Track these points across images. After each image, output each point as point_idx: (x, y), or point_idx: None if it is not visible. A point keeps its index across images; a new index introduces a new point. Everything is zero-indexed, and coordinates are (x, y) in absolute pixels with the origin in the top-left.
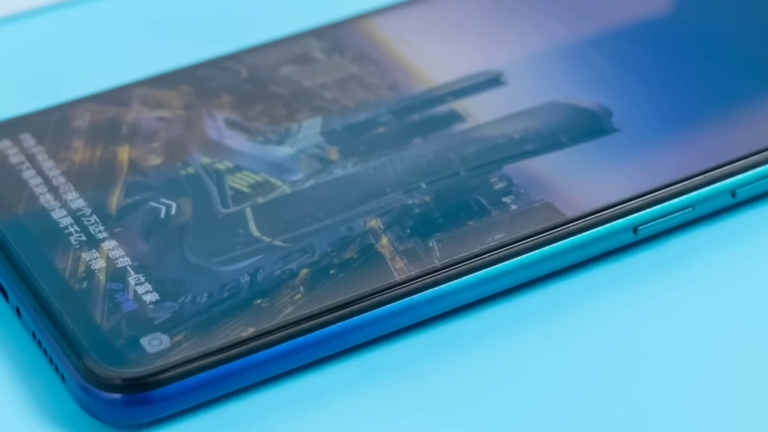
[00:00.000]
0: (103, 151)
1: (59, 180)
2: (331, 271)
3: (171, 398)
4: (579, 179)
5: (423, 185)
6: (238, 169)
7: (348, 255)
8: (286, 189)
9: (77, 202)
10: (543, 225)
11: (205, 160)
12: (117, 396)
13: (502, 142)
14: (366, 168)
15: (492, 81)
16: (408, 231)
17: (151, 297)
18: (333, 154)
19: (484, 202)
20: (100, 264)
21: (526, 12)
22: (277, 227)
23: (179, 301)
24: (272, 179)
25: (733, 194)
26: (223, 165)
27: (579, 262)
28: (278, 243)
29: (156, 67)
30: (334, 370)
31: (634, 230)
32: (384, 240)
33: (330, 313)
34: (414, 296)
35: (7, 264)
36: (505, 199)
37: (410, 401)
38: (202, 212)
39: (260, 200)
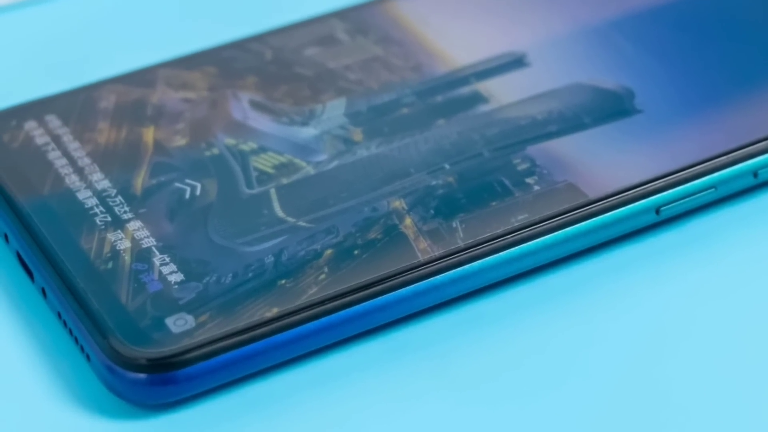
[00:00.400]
0: (128, 132)
1: (84, 161)
2: (355, 252)
3: (196, 378)
4: (602, 160)
5: (446, 166)
6: (263, 149)
7: (372, 235)
8: (310, 170)
9: (102, 183)
10: (566, 205)
11: (230, 141)
12: (142, 376)
13: (525, 123)
14: (390, 149)
15: (515, 62)
16: (432, 212)
17: (176, 277)
18: (357, 135)
19: (507, 182)
20: (125, 244)
21: None
22: (302, 208)
23: (204, 281)
24: (296, 160)
25: (755, 175)
26: (247, 146)
27: (602, 242)
28: (302, 223)
29: (181, 49)
30: (358, 349)
31: (657, 211)
32: (408, 220)
33: (354, 293)
34: (437, 276)
35: (33, 245)
36: (529, 180)
37: (434, 381)
38: (226, 193)
39: (284, 181)
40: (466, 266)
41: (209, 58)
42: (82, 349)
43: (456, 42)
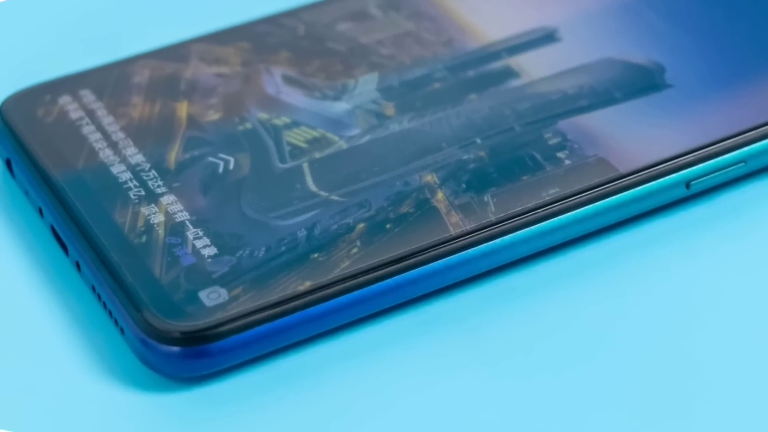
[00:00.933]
0: (162, 107)
1: (118, 135)
2: (388, 226)
3: (229, 351)
4: (632, 134)
5: (478, 140)
6: (296, 124)
7: (404, 209)
8: (342, 144)
9: (136, 157)
10: (597, 180)
11: (263, 115)
12: (175, 349)
13: (556, 97)
14: (422, 123)
15: (546, 37)
16: (463, 186)
17: (210, 251)
18: (389, 109)
19: (538, 157)
20: (159, 218)
21: None
22: (334, 182)
23: (237, 255)
24: (329, 134)
25: None
26: (280, 120)
27: (632, 216)
28: (335, 198)
29: (214, 24)
30: (389, 323)
31: (687, 185)
32: (440, 195)
33: (386, 267)
34: (469, 250)
35: (67, 218)
36: (560, 154)
37: (465, 354)
38: (259, 167)
39: (317, 155)
40: (498, 240)
41: (242, 34)
42: (116, 322)
43: (487, 17)
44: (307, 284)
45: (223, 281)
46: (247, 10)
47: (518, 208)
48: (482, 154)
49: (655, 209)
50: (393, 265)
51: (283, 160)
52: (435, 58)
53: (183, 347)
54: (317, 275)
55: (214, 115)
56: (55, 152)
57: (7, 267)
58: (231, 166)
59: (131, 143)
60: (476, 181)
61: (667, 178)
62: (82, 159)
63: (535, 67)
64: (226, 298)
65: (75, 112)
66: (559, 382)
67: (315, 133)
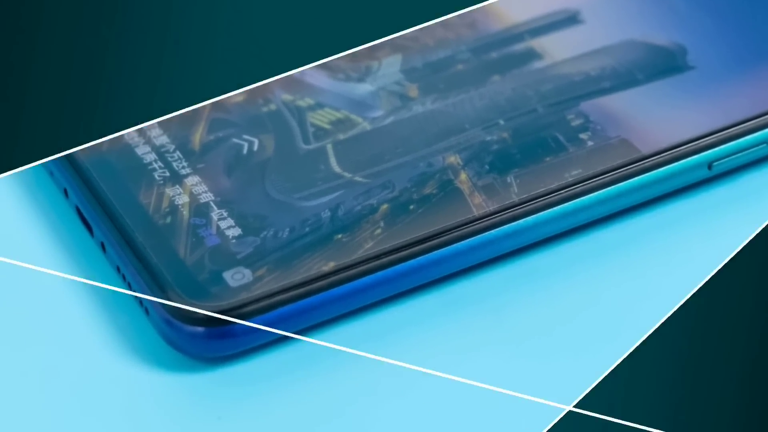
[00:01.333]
0: None
1: None
2: (411, 207)
3: (253, 331)
4: (654, 116)
5: (501, 122)
6: (320, 105)
7: (427, 190)
8: (366, 125)
9: (161, 138)
10: (619, 161)
11: (287, 97)
12: (200, 329)
13: (579, 79)
14: (445, 105)
15: (569, 19)
16: (486, 167)
17: (234, 232)
18: (413, 91)
19: (561, 138)
20: (183, 199)
21: None
22: (358, 163)
23: (261, 235)
24: (353, 116)
25: None
26: (304, 102)
27: (654, 197)
28: (359, 179)
29: None
30: (413, 303)
31: (709, 166)
32: (463, 176)
33: (409, 248)
34: (492, 231)
35: (92, 200)
36: (582, 136)
37: (488, 334)
38: (283, 148)
39: (341, 137)
40: (521, 221)
41: None
42: (140, 302)
43: None
44: (331, 265)
45: (248, 262)
46: None
47: (541, 189)
48: (505, 135)
49: (677, 190)
50: (416, 245)
51: (307, 141)
52: (458, 40)
53: (207, 327)
54: (341, 256)
55: (238, 97)
56: None
57: (32, 248)
58: (255, 147)
59: (156, 124)
60: (499, 162)
61: (689, 159)
62: (107, 140)
63: (557, 48)
64: (251, 278)
65: None
66: (581, 362)
67: (339, 115)
